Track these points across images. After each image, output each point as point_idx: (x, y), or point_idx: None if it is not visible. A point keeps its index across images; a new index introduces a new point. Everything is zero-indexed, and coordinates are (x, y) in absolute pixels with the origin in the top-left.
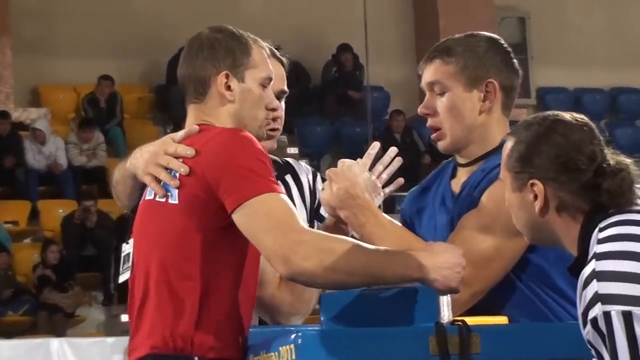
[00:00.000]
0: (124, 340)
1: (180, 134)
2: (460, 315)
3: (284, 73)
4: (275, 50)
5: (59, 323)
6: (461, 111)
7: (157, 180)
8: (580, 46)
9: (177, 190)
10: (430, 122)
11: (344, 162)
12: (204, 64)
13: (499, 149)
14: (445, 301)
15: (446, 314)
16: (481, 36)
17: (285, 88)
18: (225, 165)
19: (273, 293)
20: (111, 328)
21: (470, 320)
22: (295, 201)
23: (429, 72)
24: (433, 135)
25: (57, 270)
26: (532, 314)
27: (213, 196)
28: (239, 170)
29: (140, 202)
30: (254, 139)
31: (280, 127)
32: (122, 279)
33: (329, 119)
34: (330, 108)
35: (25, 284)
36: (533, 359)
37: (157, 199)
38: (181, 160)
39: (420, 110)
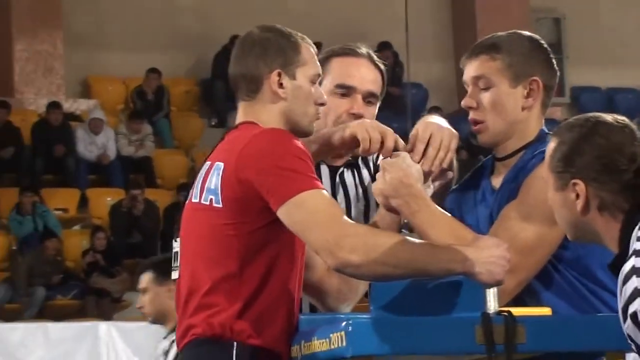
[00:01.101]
0: None
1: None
2: (504, 305)
3: (377, 76)
4: (372, 54)
5: (106, 307)
6: (505, 106)
7: None
8: (613, 46)
9: (220, 195)
10: (472, 115)
11: (398, 153)
12: (256, 62)
13: (534, 142)
14: (491, 292)
15: (492, 304)
16: (524, 35)
17: (373, 90)
18: (266, 167)
19: (321, 277)
20: None
21: (516, 311)
22: (353, 192)
23: (474, 67)
24: (474, 128)
25: (105, 256)
26: (573, 304)
27: (256, 197)
28: (279, 170)
29: (186, 203)
30: (293, 137)
31: None
32: (174, 276)
33: None
34: None
35: (74, 269)
36: (576, 350)
37: (201, 202)
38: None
39: (464, 103)
